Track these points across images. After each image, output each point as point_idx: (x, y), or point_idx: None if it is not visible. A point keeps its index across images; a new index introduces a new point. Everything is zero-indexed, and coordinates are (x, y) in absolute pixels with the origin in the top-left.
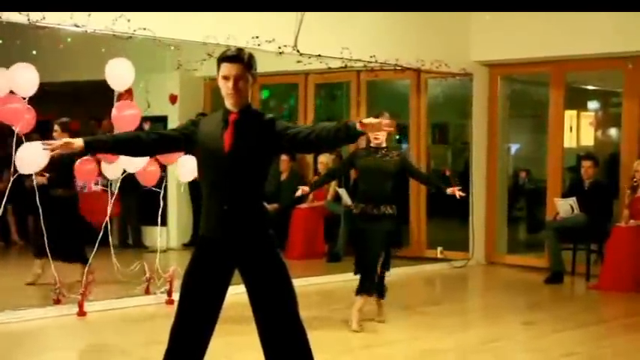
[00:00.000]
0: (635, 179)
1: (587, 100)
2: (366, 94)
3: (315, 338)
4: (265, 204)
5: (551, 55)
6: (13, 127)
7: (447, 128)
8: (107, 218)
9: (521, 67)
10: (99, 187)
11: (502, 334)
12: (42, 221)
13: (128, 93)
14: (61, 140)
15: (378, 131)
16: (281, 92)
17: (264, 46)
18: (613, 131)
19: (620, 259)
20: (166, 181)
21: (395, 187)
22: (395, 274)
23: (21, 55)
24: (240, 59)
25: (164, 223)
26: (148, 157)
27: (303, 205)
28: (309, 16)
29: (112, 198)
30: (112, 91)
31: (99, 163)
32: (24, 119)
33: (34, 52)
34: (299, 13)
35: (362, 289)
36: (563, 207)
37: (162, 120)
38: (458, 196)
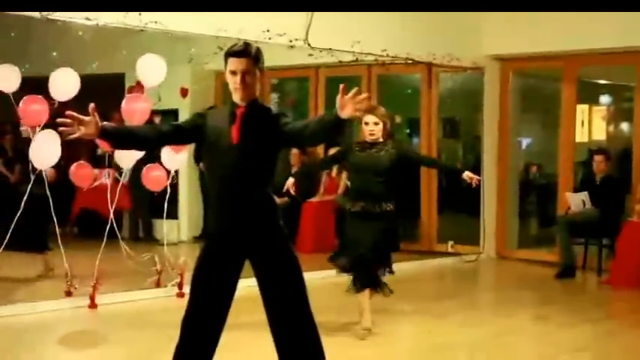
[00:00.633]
0: None
1: (599, 94)
2: (377, 88)
3: (325, 330)
4: (275, 197)
5: (564, 50)
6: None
7: (457, 122)
8: (112, 210)
9: (534, 62)
10: (109, 180)
11: (513, 328)
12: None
13: (139, 86)
14: (82, 124)
15: (357, 109)
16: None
17: (276, 40)
18: (625, 126)
19: (631, 255)
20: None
21: (394, 183)
22: (406, 269)
23: (32, 48)
24: (248, 54)
25: (175, 216)
26: (142, 153)
27: (314, 199)
28: None
29: (117, 190)
30: (123, 84)
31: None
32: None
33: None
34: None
35: (362, 284)
36: (575, 202)
37: (174, 113)
38: (474, 183)
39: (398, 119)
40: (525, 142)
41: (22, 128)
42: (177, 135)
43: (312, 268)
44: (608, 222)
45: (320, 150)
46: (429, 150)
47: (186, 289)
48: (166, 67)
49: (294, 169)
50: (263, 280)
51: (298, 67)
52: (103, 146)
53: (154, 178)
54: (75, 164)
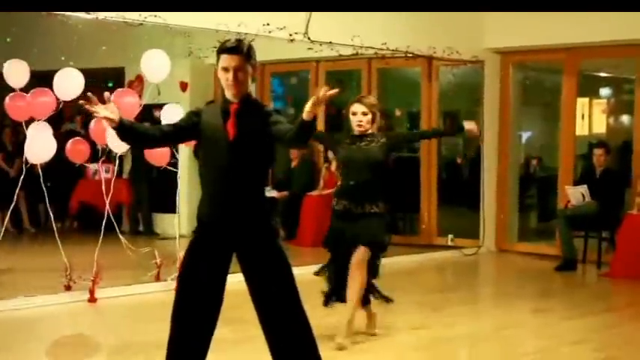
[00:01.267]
0: None
1: (599, 87)
2: (377, 82)
3: (325, 325)
4: (275, 192)
5: (565, 43)
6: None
7: (457, 116)
8: (107, 202)
9: (534, 55)
10: (109, 175)
11: (513, 321)
12: None
13: (139, 80)
14: (105, 108)
15: (321, 105)
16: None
17: (275, 34)
18: (625, 119)
19: (631, 247)
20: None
21: (387, 180)
22: (405, 262)
23: (31, 42)
24: (240, 50)
25: (175, 210)
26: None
27: (314, 193)
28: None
29: (112, 184)
30: (123, 78)
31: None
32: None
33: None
34: None
35: (337, 298)
36: (575, 195)
37: None
38: (475, 131)
39: (398, 113)
40: (525, 135)
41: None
42: (178, 134)
43: (312, 261)
44: (608, 215)
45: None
46: (429, 143)
47: None
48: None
49: (293, 163)
50: (248, 275)
51: (298, 60)
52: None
53: (157, 153)
54: (71, 140)
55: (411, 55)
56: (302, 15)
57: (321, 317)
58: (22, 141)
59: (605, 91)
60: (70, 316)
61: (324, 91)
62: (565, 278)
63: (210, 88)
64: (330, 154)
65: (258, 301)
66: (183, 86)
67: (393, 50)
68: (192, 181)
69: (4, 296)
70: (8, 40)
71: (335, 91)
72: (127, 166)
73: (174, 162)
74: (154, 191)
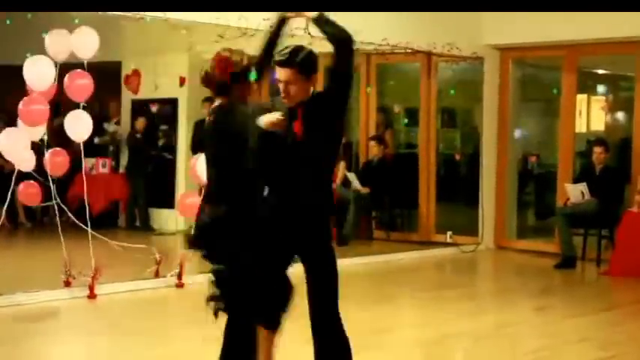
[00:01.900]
0: None
1: (598, 84)
2: (376, 78)
3: None
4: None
5: (565, 39)
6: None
7: (456, 112)
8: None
9: (534, 51)
10: (106, 170)
11: (514, 319)
12: None
13: (135, 75)
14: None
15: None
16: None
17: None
18: (624, 116)
19: (631, 245)
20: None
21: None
22: (404, 259)
23: (30, 36)
24: (290, 63)
25: (172, 205)
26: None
27: None
28: None
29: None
30: (120, 72)
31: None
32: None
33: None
34: None
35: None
36: (574, 193)
37: (172, 102)
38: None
39: (397, 109)
40: (521, 133)
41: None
42: None
43: None
44: (608, 213)
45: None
46: (428, 140)
47: (186, 280)
48: (164, 56)
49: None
50: (308, 280)
51: None
52: None
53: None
54: (50, 151)
55: (410, 50)
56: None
57: None
58: None
59: (603, 88)
60: (69, 313)
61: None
62: (565, 276)
63: None
64: None
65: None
66: (182, 81)
67: (393, 46)
68: (188, 177)
69: (3, 292)
70: None
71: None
72: (124, 161)
73: (168, 147)
74: (151, 186)
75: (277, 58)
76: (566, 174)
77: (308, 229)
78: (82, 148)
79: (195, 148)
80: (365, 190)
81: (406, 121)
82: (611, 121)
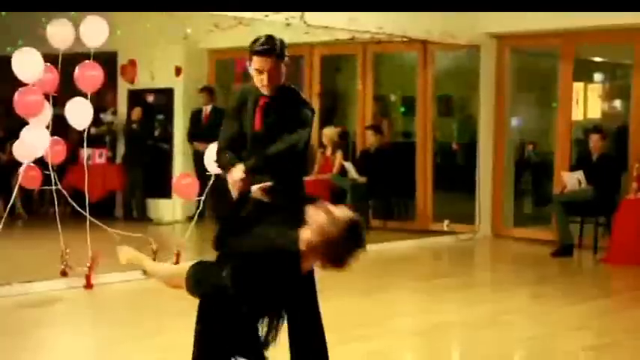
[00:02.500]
0: None
1: (594, 72)
2: (373, 67)
3: (325, 309)
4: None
5: (562, 27)
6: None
7: (452, 101)
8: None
9: (531, 39)
10: (103, 160)
11: (512, 307)
12: None
13: (132, 65)
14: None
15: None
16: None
17: (272, 17)
18: (621, 103)
19: (628, 232)
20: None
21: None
22: (401, 248)
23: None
24: (273, 51)
25: (169, 195)
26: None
27: (309, 178)
28: None
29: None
30: (116, 62)
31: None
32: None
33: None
34: None
35: None
36: (571, 180)
37: (168, 92)
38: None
39: (393, 97)
40: (517, 121)
41: None
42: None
43: None
44: (604, 200)
45: (314, 131)
46: (425, 129)
47: None
48: (160, 46)
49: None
50: None
51: (293, 45)
52: None
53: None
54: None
55: (407, 39)
56: None
57: None
58: (14, 126)
59: (599, 76)
60: (66, 303)
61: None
62: (562, 264)
63: (204, 73)
64: (325, 139)
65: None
66: (178, 71)
67: (389, 34)
68: (186, 167)
69: (1, 283)
70: None
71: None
72: (121, 151)
73: (165, 137)
74: (148, 176)
75: (257, 48)
76: (563, 162)
77: None
78: (84, 135)
79: (191, 137)
80: (362, 179)
81: (403, 109)
82: (608, 109)
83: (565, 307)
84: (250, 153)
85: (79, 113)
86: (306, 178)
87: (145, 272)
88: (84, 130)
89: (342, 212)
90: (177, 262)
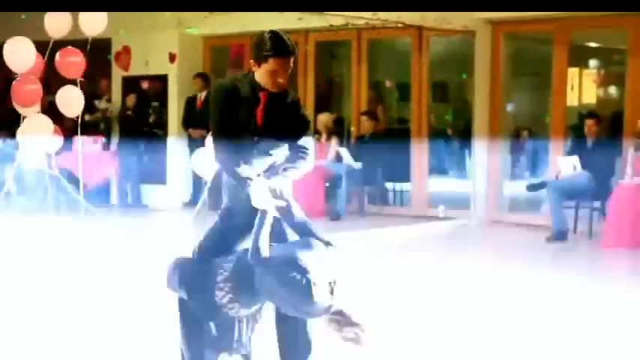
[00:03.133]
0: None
1: (589, 57)
2: (367, 53)
3: None
4: None
5: (557, 13)
6: None
7: (447, 87)
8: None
9: (526, 25)
10: (98, 146)
11: (506, 292)
12: None
13: (126, 51)
14: None
15: None
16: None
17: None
18: (616, 89)
19: (623, 217)
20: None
21: None
22: (397, 234)
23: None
24: (294, 51)
25: (164, 181)
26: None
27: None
28: None
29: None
30: (110, 49)
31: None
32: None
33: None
34: None
35: None
36: (566, 166)
37: (162, 78)
38: None
39: (388, 83)
40: (512, 106)
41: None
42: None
43: None
44: (599, 185)
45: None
46: (420, 114)
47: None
48: (154, 33)
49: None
50: None
51: (287, 31)
52: None
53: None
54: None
55: (401, 25)
56: None
57: None
58: (6, 112)
59: (594, 62)
60: None
61: None
62: (556, 249)
63: (199, 60)
64: (320, 126)
65: None
66: (172, 57)
67: (384, 20)
68: (181, 152)
69: None
70: None
71: None
72: (115, 138)
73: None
74: (143, 162)
75: (283, 48)
76: (558, 147)
77: None
78: (79, 121)
79: (186, 124)
80: (357, 165)
81: (398, 95)
82: (602, 95)
83: (562, 292)
84: (253, 149)
85: (70, 101)
86: None
87: None
88: (78, 117)
89: None
90: None
